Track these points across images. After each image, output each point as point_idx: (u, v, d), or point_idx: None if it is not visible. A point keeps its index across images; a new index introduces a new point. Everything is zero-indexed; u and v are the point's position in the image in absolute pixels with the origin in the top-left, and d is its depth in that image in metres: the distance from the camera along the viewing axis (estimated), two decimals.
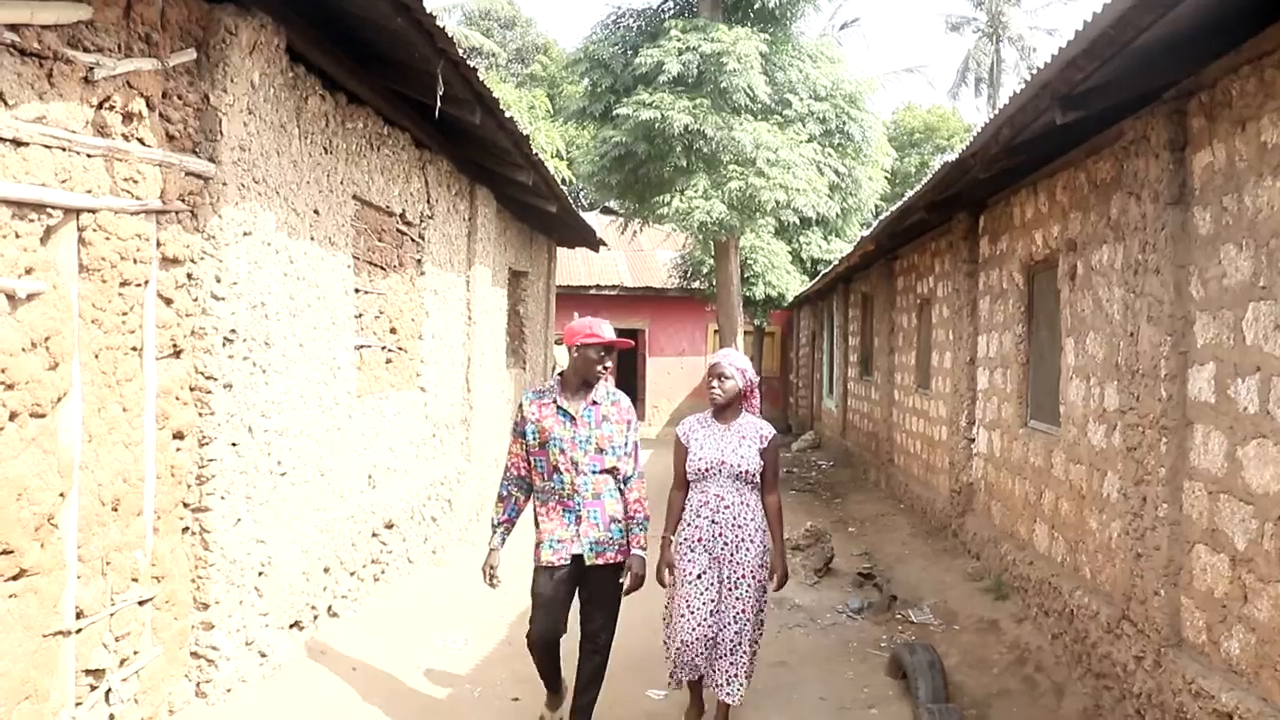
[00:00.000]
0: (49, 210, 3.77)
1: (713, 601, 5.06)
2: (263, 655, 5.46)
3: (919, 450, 12.15)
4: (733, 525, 5.11)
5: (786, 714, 5.74)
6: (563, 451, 4.82)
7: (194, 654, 4.98)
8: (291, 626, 5.99)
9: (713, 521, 5.12)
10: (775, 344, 28.54)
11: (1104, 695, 5.57)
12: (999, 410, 8.59)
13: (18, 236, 3.63)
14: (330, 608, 6.59)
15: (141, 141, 4.40)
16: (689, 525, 5.17)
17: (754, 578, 5.12)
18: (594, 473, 4.84)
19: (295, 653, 5.90)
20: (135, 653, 4.47)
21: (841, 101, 15.93)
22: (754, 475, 5.14)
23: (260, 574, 5.42)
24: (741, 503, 5.13)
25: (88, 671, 4.14)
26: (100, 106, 4.11)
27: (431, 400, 8.85)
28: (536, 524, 4.90)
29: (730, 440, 5.18)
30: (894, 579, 8.97)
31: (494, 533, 5.02)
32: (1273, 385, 4.08)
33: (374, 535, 7.35)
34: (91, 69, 3.98)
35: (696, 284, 23.77)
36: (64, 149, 3.84)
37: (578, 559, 4.85)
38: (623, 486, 4.92)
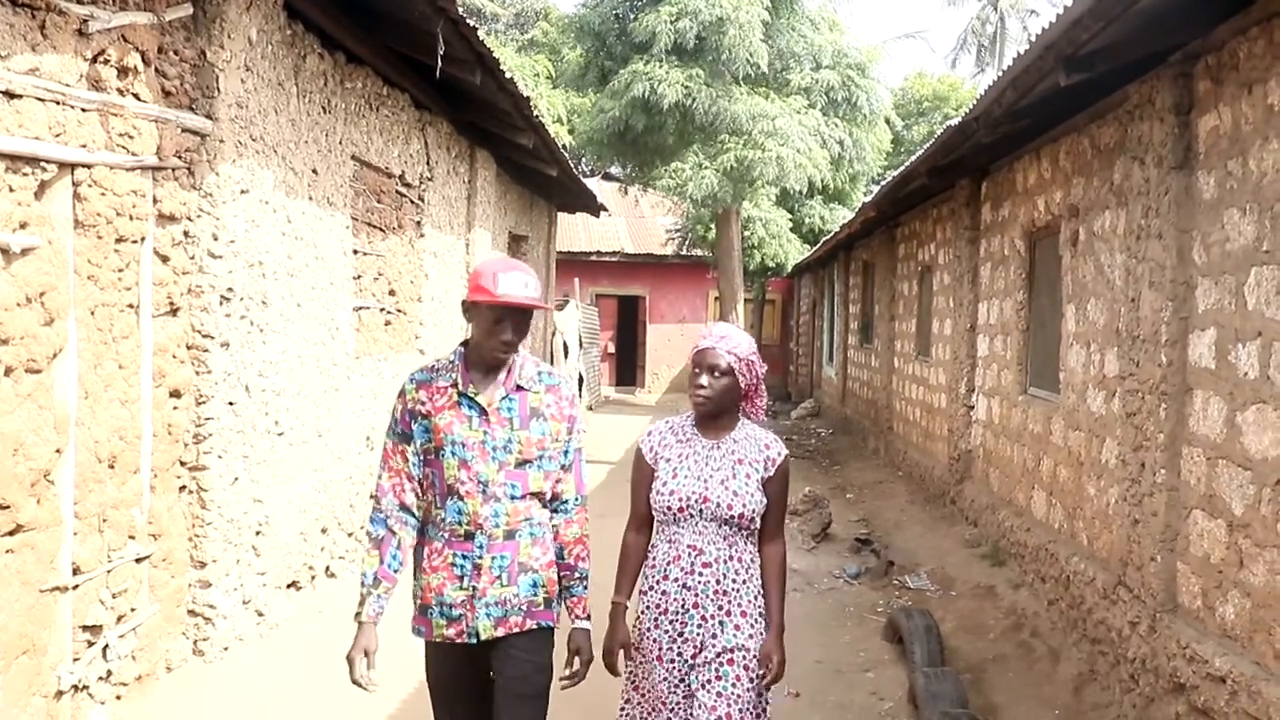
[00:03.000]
0: (43, 164, 3.74)
1: (683, 703, 3.35)
2: (260, 614, 5.48)
3: (918, 418, 12.16)
4: (715, 592, 3.31)
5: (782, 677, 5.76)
6: (465, 464, 3.08)
7: (191, 612, 4.99)
8: (289, 586, 6.02)
9: (684, 586, 3.31)
10: (776, 311, 28.51)
11: (1099, 660, 5.60)
12: (999, 377, 8.58)
13: (11, 190, 3.60)
14: (328, 568, 6.61)
15: (137, 96, 4.36)
16: (652, 589, 3.38)
17: (744, 669, 3.31)
18: (511, 498, 3.13)
19: (293, 612, 5.93)
20: (132, 610, 4.49)
21: (850, 70, 15.79)
22: (751, 520, 3.31)
23: (258, 533, 5.43)
24: (729, 558, 3.32)
25: (85, 627, 4.16)
26: (95, 60, 4.08)
27: (430, 362, 8.84)
28: (416, 573, 3.27)
29: (720, 465, 3.34)
30: (891, 545, 8.99)
31: (365, 597, 3.13)
32: (1273, 350, 4.06)
33: (371, 496, 7.36)
34: (85, 21, 3.94)
35: (697, 250, 23.70)
36: (58, 102, 3.80)
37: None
38: (557, 519, 3.28)
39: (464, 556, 3.14)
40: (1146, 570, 5.08)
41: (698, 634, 3.31)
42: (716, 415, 3.38)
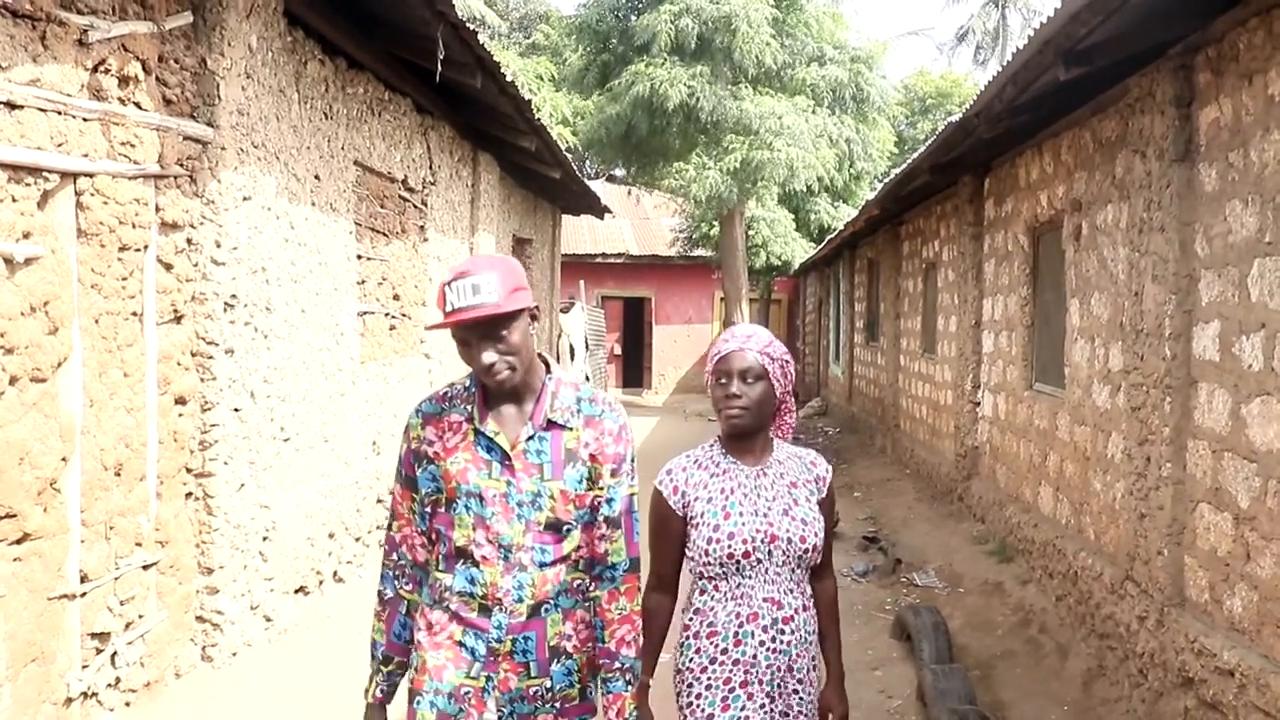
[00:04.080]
0: (45, 174, 3.76)
1: None
2: (268, 619, 5.50)
3: (924, 415, 12.14)
4: (802, 650, 2.78)
5: None
6: (482, 522, 2.47)
7: (199, 618, 5.01)
8: (297, 591, 6.03)
9: (774, 650, 2.72)
10: (782, 311, 28.49)
11: (1107, 656, 5.58)
12: (1004, 373, 8.57)
13: (14, 200, 3.62)
14: (335, 573, 6.62)
15: (138, 105, 4.38)
16: (716, 661, 2.72)
17: None
18: (540, 565, 2.50)
19: (300, 617, 5.94)
20: (140, 616, 4.50)
21: (860, 65, 15.78)
22: (820, 552, 2.79)
23: (264, 539, 5.44)
24: (804, 605, 2.78)
25: (93, 635, 4.17)
26: (95, 70, 4.09)
27: (435, 367, 8.85)
28: (413, 647, 2.60)
29: (776, 493, 2.75)
30: (899, 542, 8.98)
31: (373, 674, 2.66)
32: (1277, 342, 4.05)
33: (379, 501, 7.37)
34: (86, 31, 3.95)
35: (702, 251, 23.70)
36: (59, 112, 3.82)
37: None
38: (599, 590, 2.59)
39: (476, 637, 2.49)
40: (1154, 564, 5.07)
41: (794, 701, 2.76)
42: (753, 432, 2.75)
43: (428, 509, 2.57)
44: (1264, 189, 4.17)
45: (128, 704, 4.44)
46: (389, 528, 2.65)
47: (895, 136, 21.32)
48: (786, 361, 2.77)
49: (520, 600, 2.48)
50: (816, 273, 23.99)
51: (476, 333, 2.39)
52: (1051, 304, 7.46)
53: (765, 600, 2.70)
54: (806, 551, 2.72)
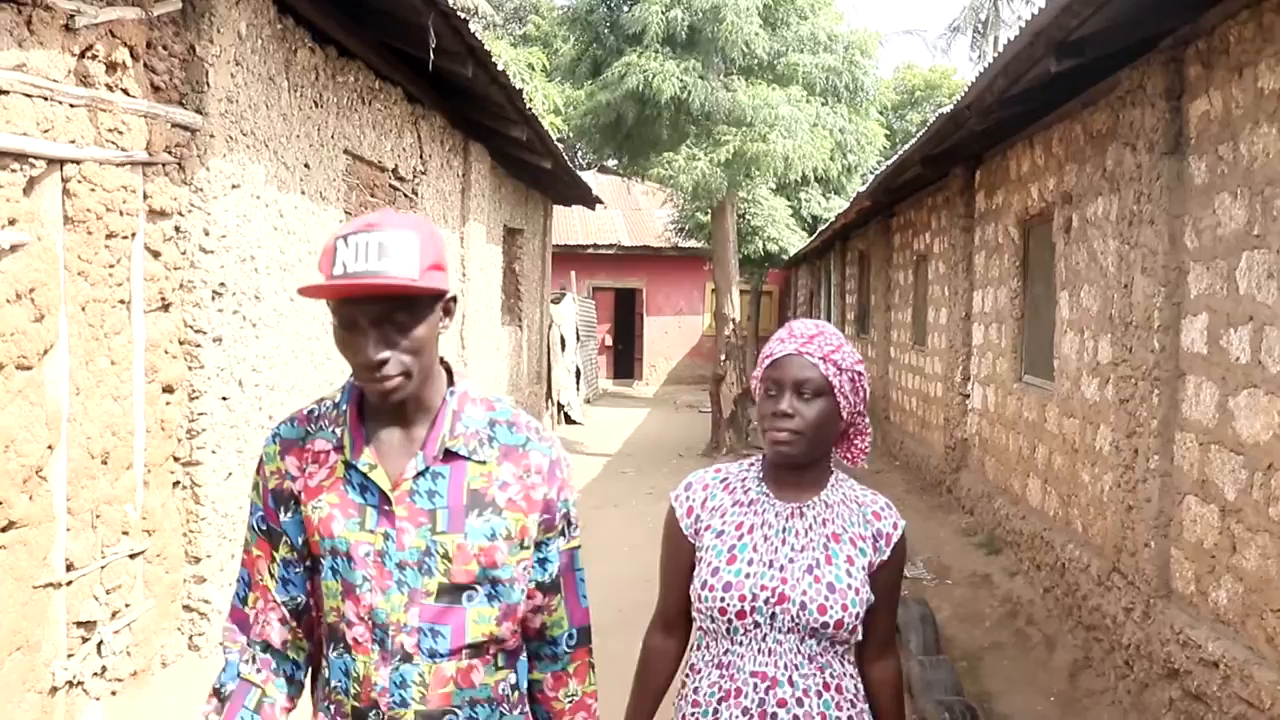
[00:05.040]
0: (31, 160, 3.73)
1: None
2: None
3: (914, 407, 12.17)
4: None
5: None
6: (350, 591, 1.83)
7: (186, 607, 5.00)
8: None
9: None
10: (773, 302, 28.50)
11: (1094, 647, 5.61)
12: (994, 365, 8.58)
13: (0, 187, 3.60)
14: None
15: (126, 92, 4.35)
16: None
17: None
18: (433, 655, 1.83)
19: None
20: (127, 605, 4.49)
21: (855, 53, 15.78)
22: (853, 629, 2.11)
23: None
24: (821, 689, 2.11)
25: (79, 623, 4.16)
26: (82, 55, 4.06)
27: None
28: None
29: (806, 544, 2.13)
30: None
31: None
32: (1264, 335, 4.06)
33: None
34: (72, 16, 3.93)
35: (694, 242, 23.71)
36: (45, 98, 3.80)
37: None
38: (539, 672, 2.03)
39: None
40: (1140, 556, 5.09)
41: None
42: (805, 465, 2.13)
43: (298, 570, 1.88)
44: (1253, 182, 4.18)
45: (114, 693, 4.43)
46: (235, 597, 1.95)
47: (886, 129, 21.32)
48: (859, 374, 2.12)
49: (404, 704, 1.79)
50: (808, 264, 24.02)
51: (370, 313, 1.70)
52: (1041, 296, 7.48)
53: (753, 674, 2.07)
54: (827, 625, 2.03)
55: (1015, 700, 5.32)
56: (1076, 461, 6.38)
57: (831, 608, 2.05)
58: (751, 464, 2.24)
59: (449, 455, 1.83)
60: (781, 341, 2.15)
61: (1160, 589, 4.92)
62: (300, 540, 1.87)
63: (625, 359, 27.12)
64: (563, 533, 1.95)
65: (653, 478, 12.14)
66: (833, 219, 17.26)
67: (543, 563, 1.93)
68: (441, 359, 1.90)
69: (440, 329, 1.82)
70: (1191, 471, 4.72)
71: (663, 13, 13.95)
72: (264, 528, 1.91)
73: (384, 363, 1.72)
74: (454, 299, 1.84)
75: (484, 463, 1.85)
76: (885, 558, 2.14)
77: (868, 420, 2.22)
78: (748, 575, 2.08)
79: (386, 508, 1.80)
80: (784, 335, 2.17)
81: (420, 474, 1.81)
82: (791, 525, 2.13)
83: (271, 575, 1.89)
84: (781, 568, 2.09)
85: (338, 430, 1.86)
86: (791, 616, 2.06)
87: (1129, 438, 5.29)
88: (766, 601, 2.06)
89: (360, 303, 1.71)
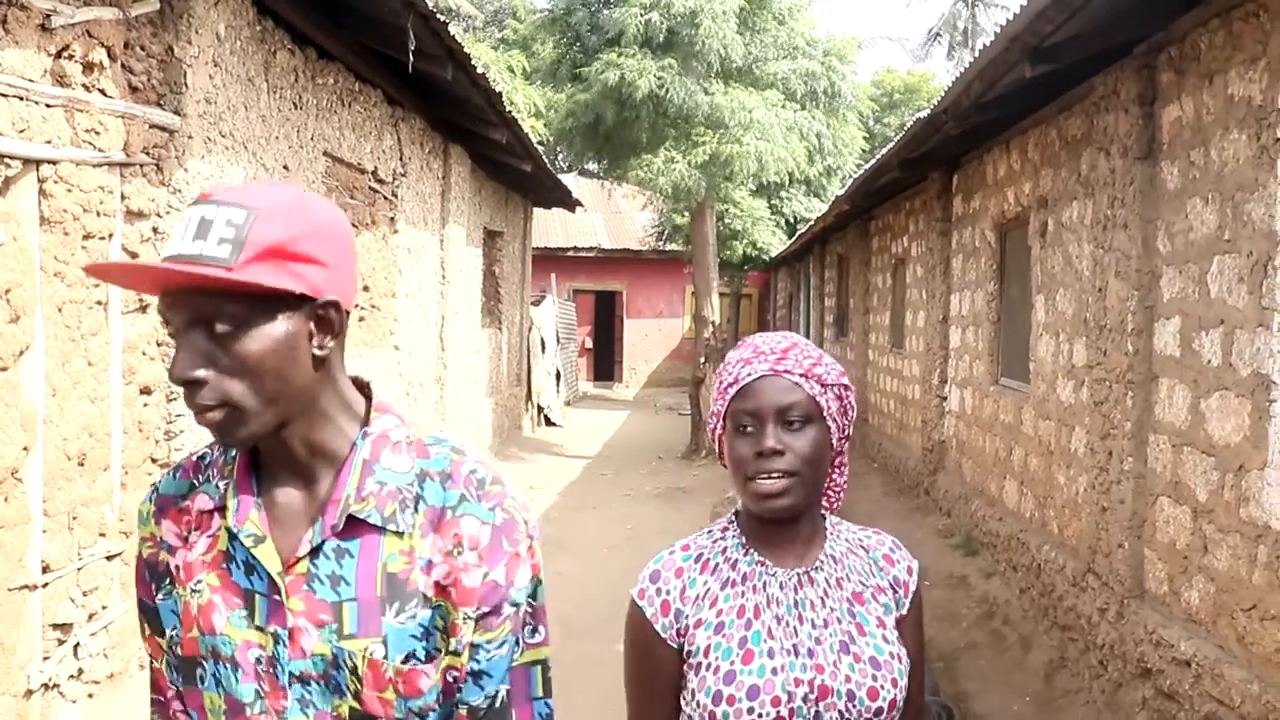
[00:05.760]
0: (7, 160, 3.72)
1: None
2: None
3: (892, 409, 12.23)
4: None
5: None
6: (237, 709, 1.34)
7: None
8: None
9: None
10: (753, 305, 28.57)
11: (1069, 647, 5.66)
12: (970, 368, 8.64)
13: None
14: None
15: (103, 92, 4.34)
16: None
17: None
18: None
19: None
20: (104, 607, 4.47)
21: (832, 59, 15.88)
22: (902, 710, 1.67)
23: None
24: None
25: (55, 626, 4.14)
26: (59, 55, 4.05)
27: (405, 359, 8.83)
28: None
29: (829, 615, 1.68)
30: None
31: None
32: (1235, 338, 4.11)
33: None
34: (49, 16, 3.91)
35: (674, 245, 23.74)
36: (21, 98, 3.78)
37: None
38: None
39: None
40: (1114, 557, 5.14)
41: None
42: (796, 516, 1.68)
43: (173, 667, 1.42)
44: (1223, 187, 4.24)
45: (90, 695, 4.41)
46: (152, 691, 1.49)
47: (865, 133, 21.41)
48: (845, 389, 1.71)
49: None
50: (787, 268, 24.10)
51: (179, 316, 1.25)
52: (1017, 300, 7.54)
53: None
54: (880, 712, 1.62)
55: (991, 700, 5.36)
56: (1052, 463, 6.44)
57: (883, 688, 1.62)
58: (725, 529, 1.74)
59: (356, 524, 1.32)
60: (747, 363, 1.67)
61: (1134, 589, 4.97)
62: (175, 630, 1.38)
63: (605, 361, 27.13)
64: (514, 639, 1.35)
65: (631, 479, 12.17)
66: (812, 221, 17.34)
67: (477, 678, 1.33)
68: (358, 382, 1.42)
69: (315, 348, 1.30)
70: (1164, 473, 4.77)
71: (641, 15, 14.00)
72: (148, 607, 1.44)
73: (193, 384, 1.25)
74: (335, 306, 1.31)
75: (403, 534, 1.32)
76: (905, 611, 1.72)
77: (845, 451, 1.76)
78: (775, 671, 1.60)
79: (277, 597, 1.31)
80: (747, 355, 1.69)
81: (317, 551, 1.31)
82: (804, 596, 1.67)
83: (169, 666, 1.42)
84: (810, 652, 1.62)
85: (222, 484, 1.37)
86: (839, 711, 1.60)
87: (1103, 440, 5.34)
88: (806, 699, 1.59)
89: (173, 300, 1.25)
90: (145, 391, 4.79)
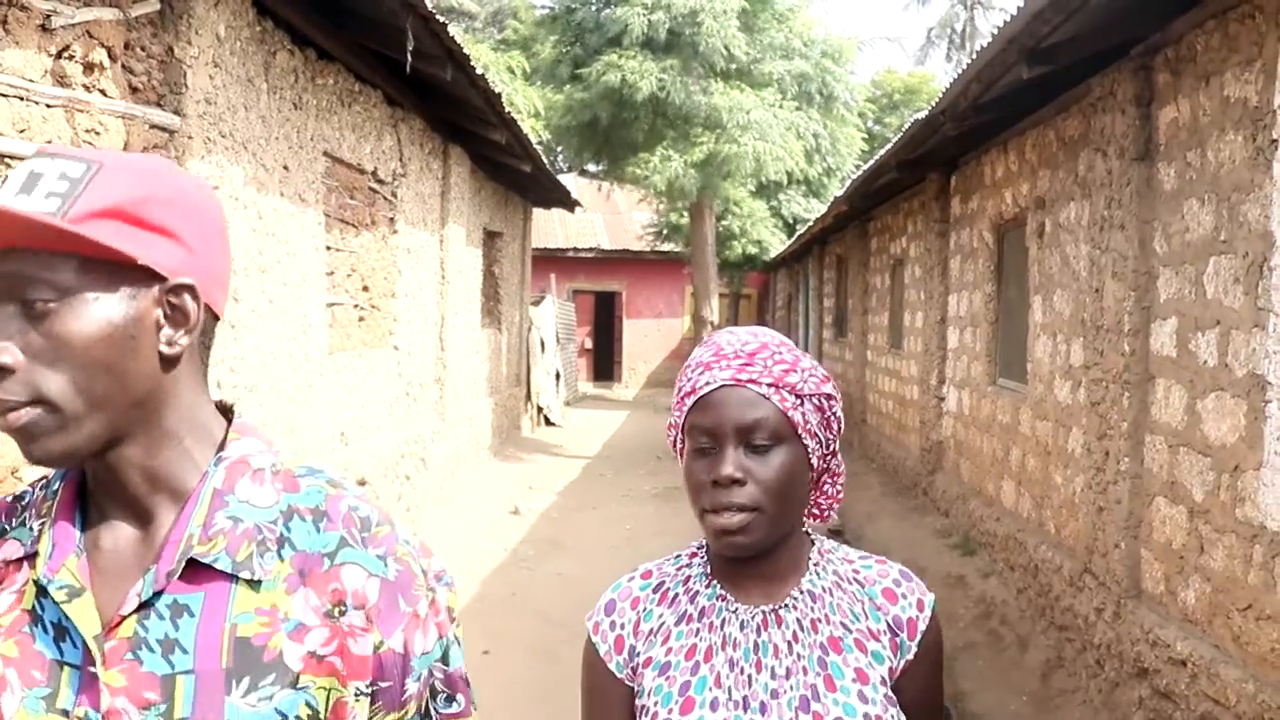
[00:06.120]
0: (7, 160, 3.73)
1: None
2: None
3: (891, 410, 12.25)
4: None
5: None
6: None
7: None
8: None
9: None
10: (752, 306, 28.59)
11: (1066, 647, 5.67)
12: (968, 369, 8.66)
13: None
14: None
15: (103, 93, 4.35)
16: None
17: None
18: None
19: None
20: None
21: (828, 61, 15.91)
22: None
23: None
24: None
25: None
26: (59, 56, 4.07)
27: (405, 359, 8.85)
28: None
29: (793, 662, 1.37)
30: (864, 536, 9.06)
31: None
32: (1231, 339, 4.13)
33: None
34: (49, 16, 3.93)
35: (673, 246, 23.76)
36: (21, 98, 3.80)
37: None
38: None
39: None
40: (1111, 557, 5.15)
41: None
42: (762, 554, 1.40)
43: None
44: (1220, 188, 4.25)
45: None
46: None
47: (865, 134, 21.44)
48: (828, 399, 1.43)
49: None
50: (786, 268, 24.12)
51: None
52: (1015, 300, 7.55)
53: None
54: None
55: (989, 699, 5.37)
56: (1049, 464, 6.45)
57: None
58: (694, 554, 1.49)
59: (200, 571, 1.02)
60: (706, 368, 1.39)
61: (1130, 589, 4.98)
62: None
63: (605, 361, 27.14)
64: (424, 715, 1.12)
65: (630, 479, 12.18)
66: (811, 222, 17.37)
67: None
68: (222, 405, 1.14)
69: (163, 343, 1.02)
70: (1161, 473, 4.78)
71: (644, 14, 14.04)
72: None
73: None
74: (192, 292, 1.03)
75: (259, 585, 1.03)
76: (912, 655, 1.40)
77: (840, 458, 1.49)
78: None
79: (92, 669, 0.99)
80: (708, 357, 1.40)
81: (148, 607, 1.01)
82: (767, 639, 1.39)
83: None
84: (763, 707, 1.34)
85: (38, 524, 1.06)
86: None
87: (1100, 440, 5.36)
88: None
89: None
90: None
